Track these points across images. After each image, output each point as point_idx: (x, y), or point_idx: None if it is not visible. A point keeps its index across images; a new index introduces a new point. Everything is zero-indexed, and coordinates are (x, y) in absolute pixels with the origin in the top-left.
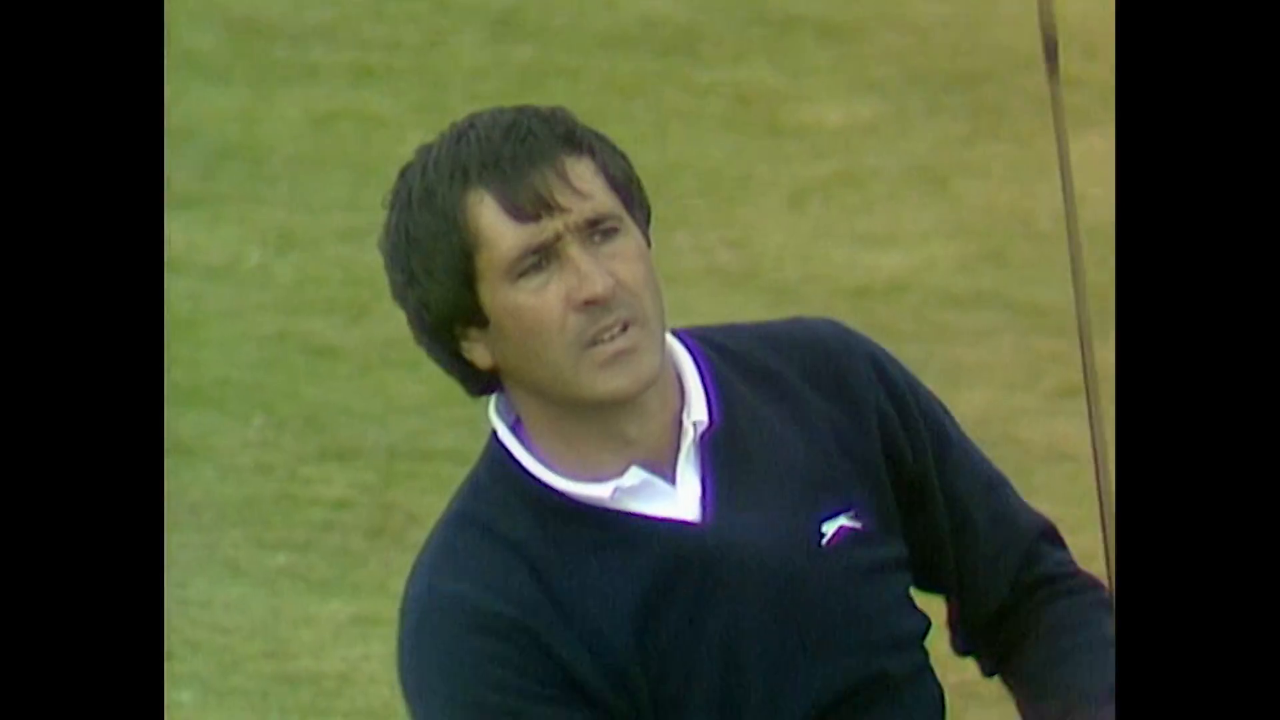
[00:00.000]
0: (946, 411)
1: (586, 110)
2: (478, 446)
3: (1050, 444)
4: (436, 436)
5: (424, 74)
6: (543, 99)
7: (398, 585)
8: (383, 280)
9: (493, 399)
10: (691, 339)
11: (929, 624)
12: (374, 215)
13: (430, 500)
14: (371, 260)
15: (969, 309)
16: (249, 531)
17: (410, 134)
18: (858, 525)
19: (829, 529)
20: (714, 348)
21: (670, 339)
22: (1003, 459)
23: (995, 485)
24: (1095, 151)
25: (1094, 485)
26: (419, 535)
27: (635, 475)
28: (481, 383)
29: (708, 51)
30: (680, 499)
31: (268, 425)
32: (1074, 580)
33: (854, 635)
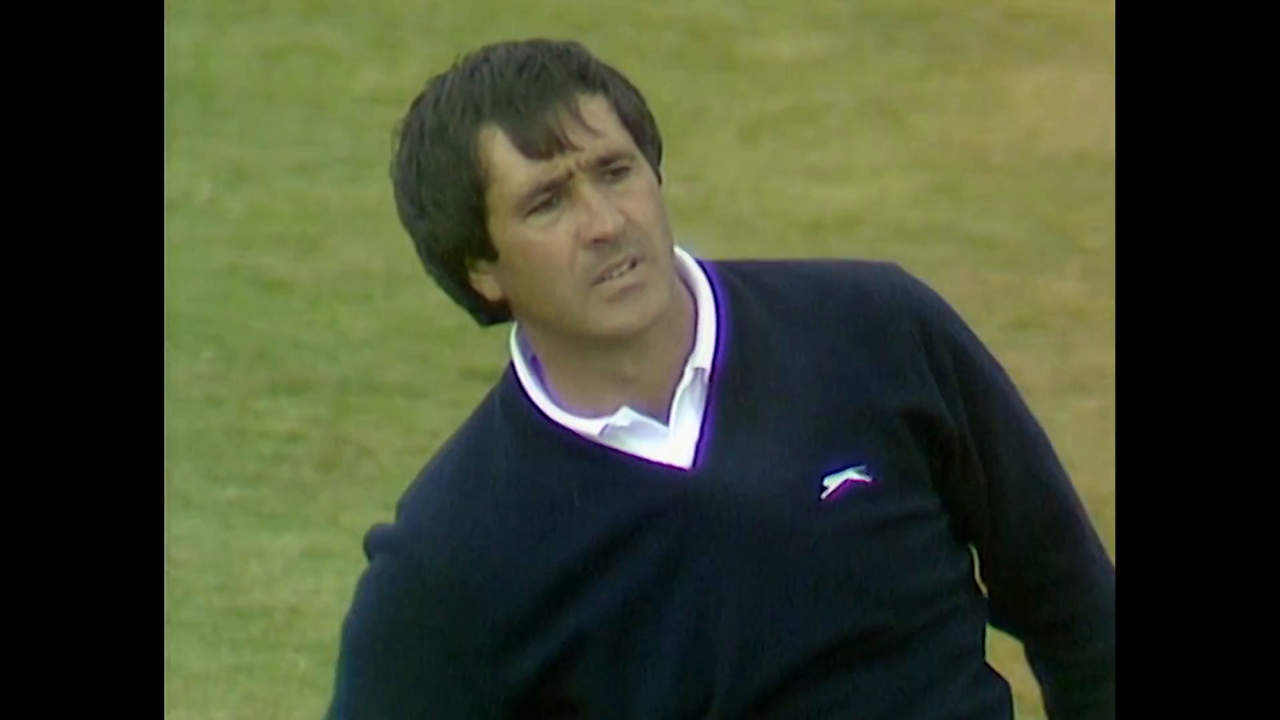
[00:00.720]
0: (997, 371)
1: None
2: (429, 380)
3: None
4: (388, 370)
5: (377, 9)
6: (495, 33)
7: (349, 519)
8: (333, 214)
9: (513, 329)
10: (725, 273)
11: (959, 575)
12: (325, 150)
13: (382, 434)
14: (323, 194)
15: (922, 242)
16: (199, 464)
17: (362, 69)
18: (867, 479)
19: (832, 482)
20: (752, 284)
21: (698, 275)
22: None
23: (1033, 445)
24: (1049, 85)
25: (1047, 417)
26: (370, 468)
27: (626, 416)
28: (491, 313)
29: None
30: (673, 442)
31: (218, 358)
32: (1085, 625)
33: (846, 590)
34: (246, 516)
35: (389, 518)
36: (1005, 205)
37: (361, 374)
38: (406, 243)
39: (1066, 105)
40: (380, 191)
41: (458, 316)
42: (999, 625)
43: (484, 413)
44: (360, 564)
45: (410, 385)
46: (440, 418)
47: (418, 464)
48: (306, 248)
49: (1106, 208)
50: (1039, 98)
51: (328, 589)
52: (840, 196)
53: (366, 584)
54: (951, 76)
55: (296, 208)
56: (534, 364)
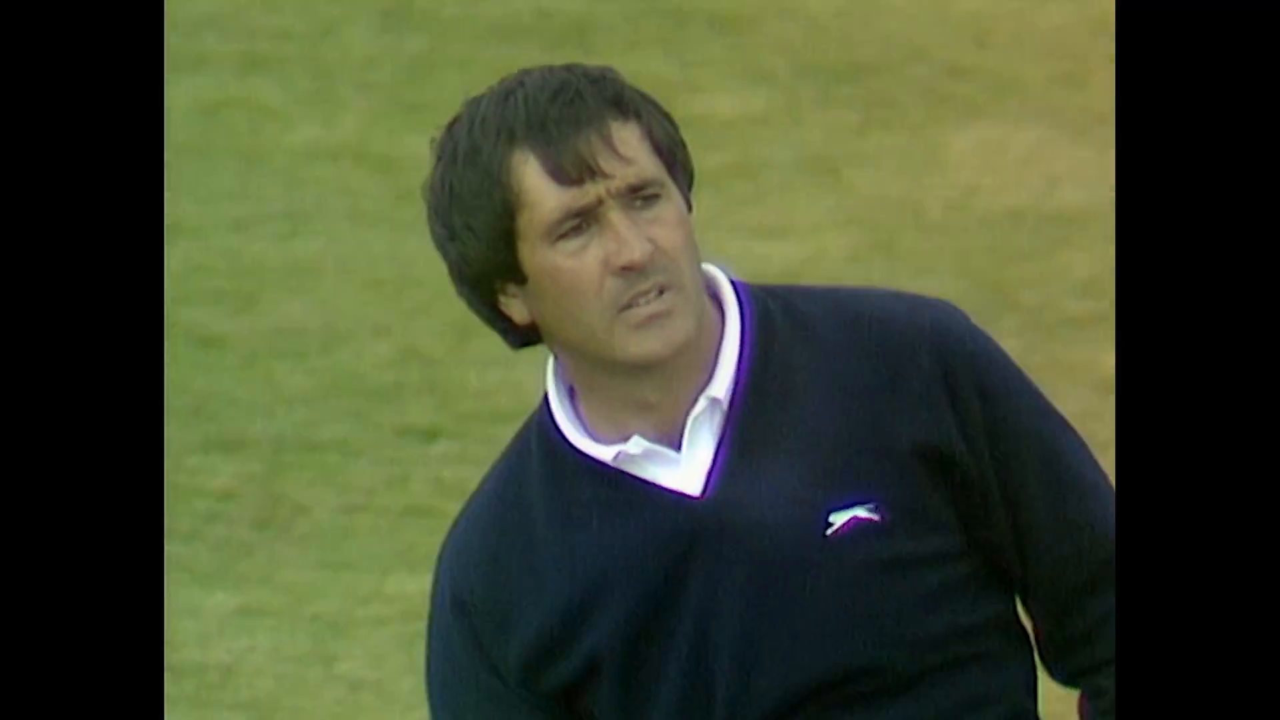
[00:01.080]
0: (1039, 417)
1: None
2: (365, 438)
3: None
4: (323, 427)
5: (314, 64)
6: (434, 90)
7: (284, 576)
8: (269, 270)
9: (550, 358)
10: (758, 295)
11: (984, 619)
12: (261, 205)
13: (317, 491)
14: (258, 250)
15: None
16: None
17: (299, 123)
18: (875, 518)
19: (838, 519)
20: (784, 308)
21: (730, 296)
22: None
23: (1076, 493)
24: (986, 142)
25: None
26: (306, 526)
27: (636, 444)
28: (521, 336)
29: (600, 42)
30: (685, 469)
31: None
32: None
33: (848, 627)
34: (180, 574)
35: (324, 576)
36: (942, 262)
37: (297, 431)
38: (343, 299)
39: (1004, 162)
40: (317, 247)
41: (394, 374)
42: (1055, 677)
43: (522, 438)
44: (295, 622)
45: (346, 443)
46: (376, 475)
47: (353, 522)
48: (242, 304)
49: (1043, 264)
50: (976, 154)
51: (261, 647)
52: (779, 253)
53: (428, 625)
54: (889, 133)
55: (232, 263)
56: (570, 391)
